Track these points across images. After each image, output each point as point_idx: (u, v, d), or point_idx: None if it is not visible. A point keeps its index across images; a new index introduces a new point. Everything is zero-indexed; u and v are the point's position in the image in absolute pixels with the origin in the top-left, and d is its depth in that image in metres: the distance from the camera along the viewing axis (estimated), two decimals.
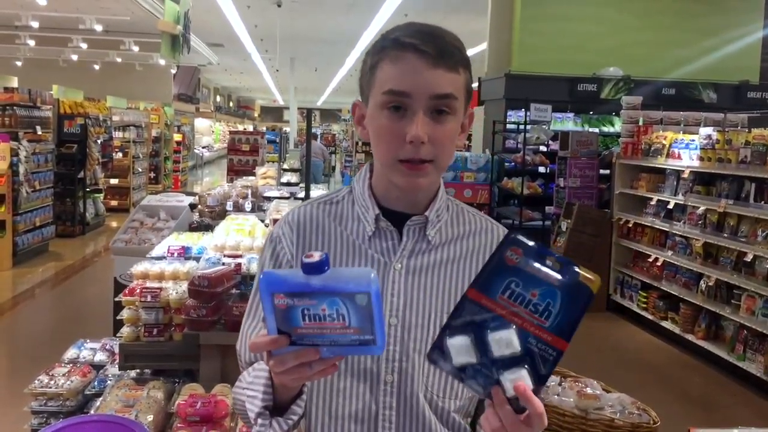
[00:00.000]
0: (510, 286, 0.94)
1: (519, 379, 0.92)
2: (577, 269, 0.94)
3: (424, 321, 1.23)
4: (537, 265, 0.94)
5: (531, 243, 0.94)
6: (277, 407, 1.12)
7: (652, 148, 7.01)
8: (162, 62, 19.13)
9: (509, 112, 10.39)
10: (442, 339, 0.96)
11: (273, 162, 14.17)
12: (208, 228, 4.71)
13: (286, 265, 1.27)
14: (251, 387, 1.16)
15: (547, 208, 9.85)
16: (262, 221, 4.35)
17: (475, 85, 12.58)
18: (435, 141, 1.16)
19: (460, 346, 0.94)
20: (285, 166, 12.54)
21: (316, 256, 0.92)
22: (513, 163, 10.03)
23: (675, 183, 6.67)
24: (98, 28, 15.63)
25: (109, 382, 3.26)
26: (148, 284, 3.12)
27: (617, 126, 10.17)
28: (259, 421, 1.11)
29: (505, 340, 0.93)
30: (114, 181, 14.16)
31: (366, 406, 1.22)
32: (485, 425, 0.97)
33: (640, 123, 7.55)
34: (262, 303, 0.94)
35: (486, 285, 0.95)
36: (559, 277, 0.93)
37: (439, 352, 0.96)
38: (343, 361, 1.21)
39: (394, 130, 1.16)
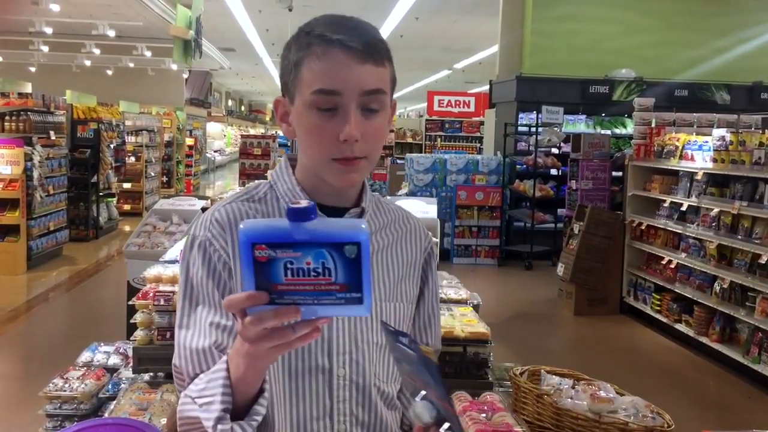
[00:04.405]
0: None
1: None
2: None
3: None
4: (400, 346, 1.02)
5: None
6: (236, 411, 1.03)
7: (665, 150, 6.97)
8: (174, 67, 19.24)
9: (521, 115, 10.39)
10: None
11: None
12: None
13: (223, 270, 1.19)
14: (204, 394, 1.05)
15: (559, 210, 9.85)
16: None
17: (486, 87, 12.55)
18: (367, 137, 1.15)
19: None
20: None
21: (304, 203, 0.85)
22: (525, 166, 10.02)
23: (688, 185, 6.63)
24: (111, 33, 15.74)
25: (122, 385, 3.27)
26: (161, 288, 3.13)
27: (629, 128, 10.14)
28: (219, 427, 1.01)
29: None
30: (127, 186, 14.24)
31: (322, 402, 1.21)
32: None
33: (653, 125, 7.51)
34: (241, 256, 0.86)
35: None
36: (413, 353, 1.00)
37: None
38: (295, 361, 1.19)
39: (326, 130, 1.13)
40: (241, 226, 0.86)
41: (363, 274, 0.85)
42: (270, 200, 1.26)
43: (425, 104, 16.98)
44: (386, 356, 1.27)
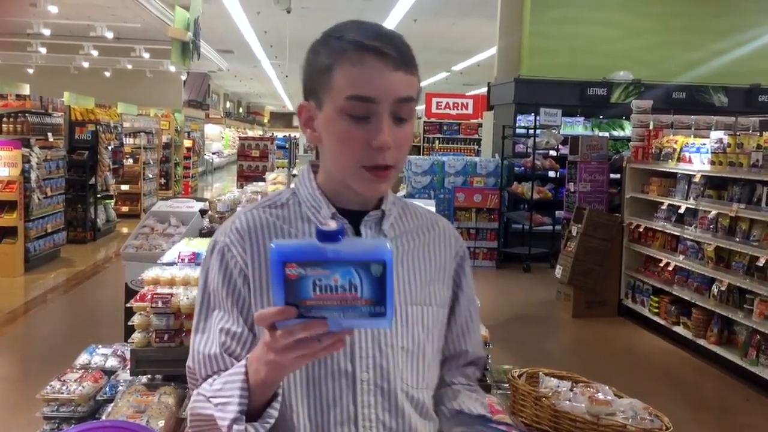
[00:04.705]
0: None
1: None
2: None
3: None
4: None
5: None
6: (249, 413, 1.07)
7: (663, 152, 6.98)
8: (172, 69, 19.23)
9: (519, 117, 10.40)
10: None
11: (283, 167, 14.22)
12: None
13: (239, 276, 1.21)
14: (220, 394, 1.09)
15: (557, 212, 9.85)
16: None
17: (484, 90, 12.53)
18: (398, 145, 1.15)
19: None
20: (294, 172, 12.59)
21: (333, 225, 0.92)
22: (523, 168, 10.03)
23: (686, 187, 6.64)
24: (109, 35, 15.75)
25: (120, 387, 3.27)
26: (159, 290, 3.12)
27: (627, 130, 10.14)
28: (235, 427, 1.05)
29: None
30: (125, 187, 14.23)
31: (345, 408, 1.19)
32: None
33: (651, 127, 7.52)
34: (272, 274, 0.91)
35: None
36: None
37: None
38: (318, 366, 1.19)
39: (358, 136, 1.13)
40: (272, 245, 0.92)
41: (387, 289, 0.91)
42: (292, 205, 1.27)
43: (423, 106, 17.00)
44: (414, 361, 1.25)
